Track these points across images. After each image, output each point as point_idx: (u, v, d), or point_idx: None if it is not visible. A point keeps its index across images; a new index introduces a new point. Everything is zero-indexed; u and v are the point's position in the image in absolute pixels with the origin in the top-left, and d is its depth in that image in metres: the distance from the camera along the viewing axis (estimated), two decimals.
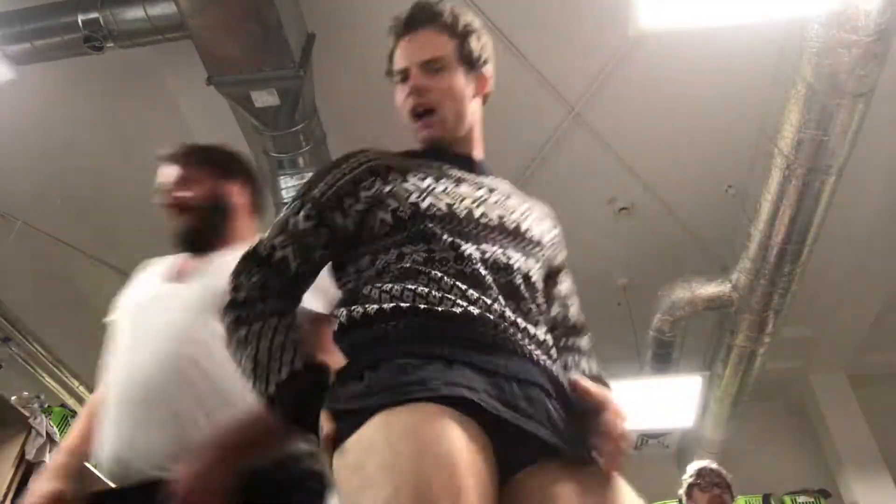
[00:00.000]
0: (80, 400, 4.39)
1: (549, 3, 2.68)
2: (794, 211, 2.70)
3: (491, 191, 1.14)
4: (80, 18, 2.39)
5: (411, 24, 1.24)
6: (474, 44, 1.20)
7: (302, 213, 1.06)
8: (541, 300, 1.08)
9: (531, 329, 0.99)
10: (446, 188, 1.09)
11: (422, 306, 0.94)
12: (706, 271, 3.42)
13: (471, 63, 1.19)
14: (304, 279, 1.07)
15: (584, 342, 1.14)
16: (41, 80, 2.91)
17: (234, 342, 1.00)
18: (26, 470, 2.78)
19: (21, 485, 2.76)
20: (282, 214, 1.08)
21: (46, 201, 3.65)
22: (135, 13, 2.38)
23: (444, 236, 1.01)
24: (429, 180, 1.10)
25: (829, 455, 4.28)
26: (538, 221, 1.17)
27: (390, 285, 0.97)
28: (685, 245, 3.61)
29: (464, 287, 0.96)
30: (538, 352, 0.97)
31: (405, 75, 1.21)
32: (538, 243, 1.12)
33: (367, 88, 3.07)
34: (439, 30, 1.20)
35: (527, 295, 1.03)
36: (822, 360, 4.37)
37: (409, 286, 0.96)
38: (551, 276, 1.17)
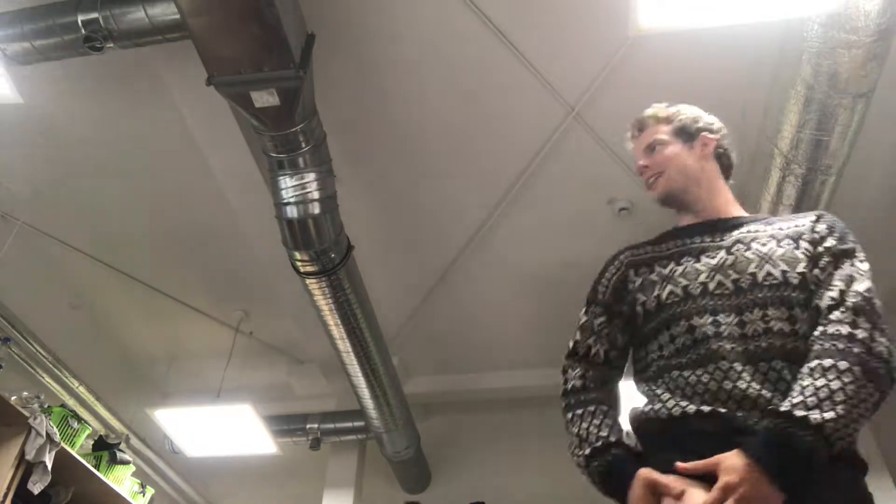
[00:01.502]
0: (80, 400, 4.39)
1: (549, 3, 2.68)
2: (794, 211, 2.70)
3: (730, 250, 1.31)
4: (80, 18, 2.39)
5: (637, 127, 1.61)
6: (684, 120, 1.54)
7: (595, 314, 1.40)
8: (785, 343, 1.17)
9: (759, 395, 1.11)
10: (685, 268, 1.31)
11: (670, 414, 1.17)
12: None
13: (685, 134, 1.54)
14: (616, 363, 1.37)
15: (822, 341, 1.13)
16: (41, 81, 2.91)
17: (566, 423, 1.30)
18: (26, 470, 2.78)
19: (21, 485, 2.76)
20: (584, 320, 1.43)
21: (46, 201, 3.65)
22: (135, 13, 2.38)
23: (682, 321, 1.23)
24: (671, 265, 1.34)
25: None
26: (778, 259, 1.27)
27: (651, 387, 1.24)
28: None
29: (698, 385, 1.16)
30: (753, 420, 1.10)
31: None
32: (776, 286, 1.23)
33: (367, 88, 3.08)
34: (653, 124, 1.57)
35: (763, 353, 1.15)
36: None
37: (658, 391, 1.22)
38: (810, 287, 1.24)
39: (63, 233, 3.80)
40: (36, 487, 2.79)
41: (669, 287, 1.29)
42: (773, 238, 1.31)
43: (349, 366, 3.68)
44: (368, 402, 3.96)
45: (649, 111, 1.58)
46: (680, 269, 1.31)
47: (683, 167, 1.50)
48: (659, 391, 1.21)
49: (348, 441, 4.65)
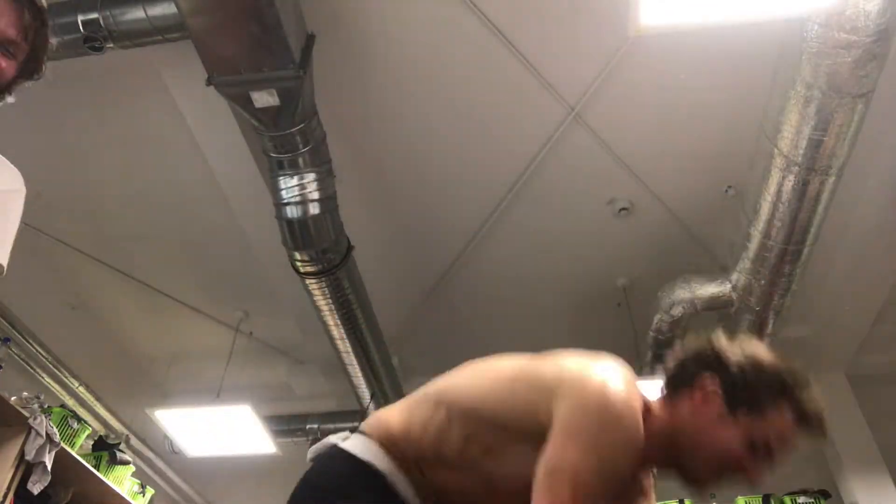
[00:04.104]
0: (80, 400, 4.39)
1: (549, 3, 2.68)
2: (794, 211, 2.70)
3: None
4: (80, 19, 2.39)
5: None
6: None
7: None
8: None
9: None
10: None
11: None
12: (706, 271, 3.42)
13: None
14: None
15: None
16: (40, 81, 2.91)
17: None
18: (26, 470, 2.78)
19: (21, 485, 2.76)
20: None
21: (46, 201, 3.65)
22: (135, 13, 2.38)
23: None
24: None
25: (829, 455, 4.27)
26: None
27: None
28: (685, 245, 3.61)
29: None
30: None
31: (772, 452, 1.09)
32: None
33: (367, 88, 3.07)
34: None
35: None
36: (822, 360, 4.37)
37: None
38: None
39: (63, 233, 3.80)
40: (36, 487, 2.79)
41: None
42: None
43: (349, 366, 3.68)
44: (368, 403, 3.96)
45: None
46: None
47: None
48: None
49: None
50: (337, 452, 1.18)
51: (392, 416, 1.21)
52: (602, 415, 0.99)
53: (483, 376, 1.17)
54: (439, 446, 1.11)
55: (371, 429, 1.20)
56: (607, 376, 1.05)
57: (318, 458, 1.21)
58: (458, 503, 1.14)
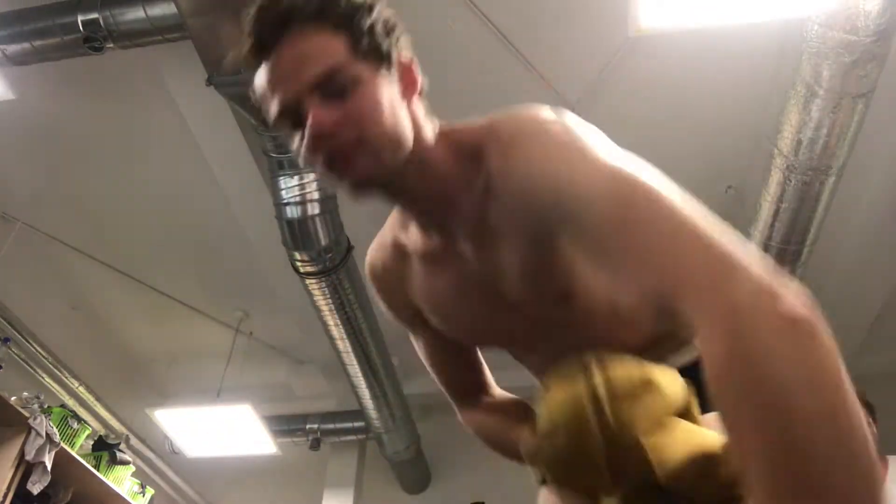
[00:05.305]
0: (80, 400, 4.39)
1: (549, 3, 2.68)
2: (794, 211, 2.70)
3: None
4: (80, 19, 2.39)
5: (270, 32, 0.80)
6: (372, 24, 0.80)
7: None
8: None
9: None
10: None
11: None
12: None
13: (380, 55, 0.81)
14: None
15: None
16: (41, 81, 2.92)
17: None
18: (26, 470, 2.78)
19: (21, 485, 2.76)
20: None
21: (46, 201, 3.65)
22: (135, 13, 2.38)
23: None
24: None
25: None
26: None
27: None
28: None
29: None
30: None
31: (293, 112, 0.79)
32: None
33: None
34: (314, 26, 0.77)
35: None
36: None
37: None
38: None
39: (63, 233, 3.80)
40: (36, 487, 2.79)
41: None
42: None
43: (349, 366, 3.68)
44: (368, 402, 3.96)
45: None
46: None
47: (397, 124, 0.86)
48: None
49: (348, 441, 4.65)
50: None
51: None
52: None
53: None
54: None
55: None
56: None
57: None
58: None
